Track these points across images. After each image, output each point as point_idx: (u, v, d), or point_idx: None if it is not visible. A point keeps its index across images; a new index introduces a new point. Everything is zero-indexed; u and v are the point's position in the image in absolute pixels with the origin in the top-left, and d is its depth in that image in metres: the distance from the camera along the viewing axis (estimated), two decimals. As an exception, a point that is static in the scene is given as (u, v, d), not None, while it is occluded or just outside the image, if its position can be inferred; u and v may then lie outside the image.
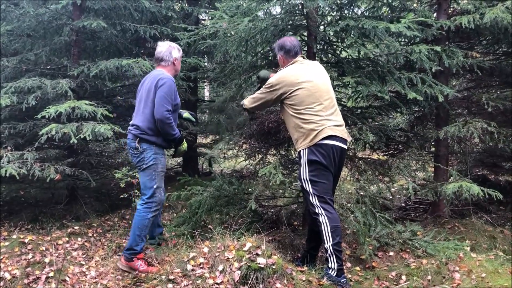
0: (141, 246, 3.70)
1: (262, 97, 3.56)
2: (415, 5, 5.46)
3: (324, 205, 3.30)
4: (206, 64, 7.04)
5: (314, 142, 3.31)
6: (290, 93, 3.39)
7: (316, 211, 3.31)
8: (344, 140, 3.41)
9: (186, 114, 4.15)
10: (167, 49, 3.86)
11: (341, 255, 3.27)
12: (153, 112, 3.66)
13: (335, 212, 3.34)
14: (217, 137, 7.69)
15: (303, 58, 3.61)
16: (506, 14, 3.96)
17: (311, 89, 3.36)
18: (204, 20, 7.72)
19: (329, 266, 3.25)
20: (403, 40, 5.10)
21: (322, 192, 3.32)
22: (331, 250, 3.24)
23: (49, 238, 4.31)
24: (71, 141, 4.25)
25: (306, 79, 3.39)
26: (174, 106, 3.74)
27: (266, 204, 4.97)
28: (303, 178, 3.37)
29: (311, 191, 3.34)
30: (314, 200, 3.33)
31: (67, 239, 4.37)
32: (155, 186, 3.71)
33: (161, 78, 3.68)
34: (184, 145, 3.95)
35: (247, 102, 3.69)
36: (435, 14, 4.96)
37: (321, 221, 3.28)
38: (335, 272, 3.21)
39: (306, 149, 3.35)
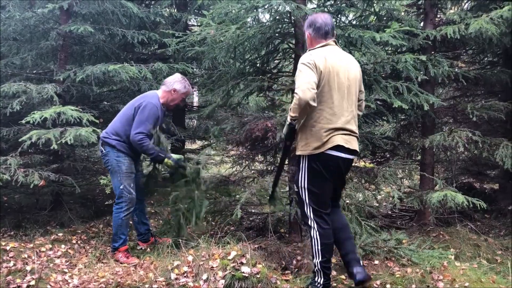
0: (119, 242, 3.99)
1: (305, 74, 2.82)
2: (402, 13, 5.52)
3: (318, 219, 3.06)
4: (194, 70, 7.01)
5: (320, 151, 2.94)
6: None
7: (309, 223, 3.09)
8: (352, 151, 3.04)
9: (176, 156, 4.07)
10: (174, 78, 4.11)
11: (329, 271, 3.12)
12: (119, 121, 3.99)
13: (328, 227, 3.08)
14: (205, 142, 7.67)
15: (335, 43, 3.11)
16: (490, 25, 4.02)
17: (333, 87, 2.89)
18: (194, 25, 7.70)
19: (315, 279, 3.14)
20: (389, 49, 5.14)
21: (318, 204, 3.07)
22: (319, 266, 3.08)
23: (31, 245, 4.24)
24: (52, 147, 4.20)
25: (335, 73, 2.88)
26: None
27: (252, 211, 4.96)
28: (301, 186, 3.10)
29: (307, 201, 3.08)
30: (308, 211, 3.10)
31: (50, 246, 4.30)
32: (121, 187, 3.95)
33: (144, 101, 3.93)
34: (168, 162, 3.98)
35: (291, 109, 2.93)
36: (421, 24, 5.02)
37: (312, 235, 3.07)
38: (321, 286, 3.11)
39: (307, 156, 3.01)
